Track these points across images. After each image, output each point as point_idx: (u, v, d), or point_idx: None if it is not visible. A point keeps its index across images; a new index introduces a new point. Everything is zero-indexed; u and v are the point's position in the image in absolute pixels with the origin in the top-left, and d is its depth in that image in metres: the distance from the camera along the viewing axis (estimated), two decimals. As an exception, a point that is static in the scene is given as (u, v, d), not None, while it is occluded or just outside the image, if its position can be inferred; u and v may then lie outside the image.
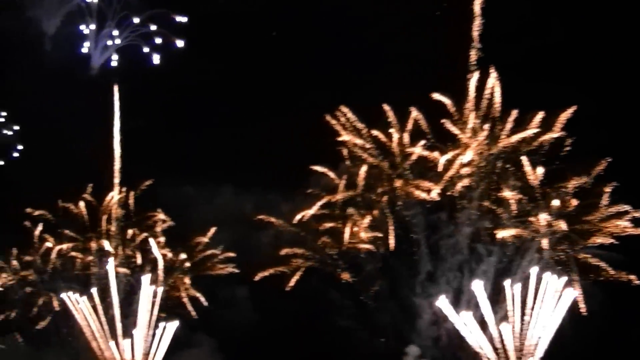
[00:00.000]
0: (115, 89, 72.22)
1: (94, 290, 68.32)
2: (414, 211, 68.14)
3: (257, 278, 69.33)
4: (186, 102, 76.32)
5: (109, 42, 79.51)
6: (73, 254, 70.60)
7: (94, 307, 67.97)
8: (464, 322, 63.88)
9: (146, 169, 71.91)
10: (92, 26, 79.09)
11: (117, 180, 71.60)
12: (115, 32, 79.43)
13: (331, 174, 69.44)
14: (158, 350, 67.96)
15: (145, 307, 68.04)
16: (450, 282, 66.55)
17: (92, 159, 72.06)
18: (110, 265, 68.59)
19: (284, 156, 72.27)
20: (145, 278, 68.50)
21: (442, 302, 64.17)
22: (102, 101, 72.55)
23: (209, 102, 76.07)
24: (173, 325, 68.00)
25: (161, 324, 67.94)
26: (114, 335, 67.74)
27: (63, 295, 68.46)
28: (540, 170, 65.10)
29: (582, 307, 63.73)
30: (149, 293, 68.34)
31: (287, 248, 69.45)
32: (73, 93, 75.80)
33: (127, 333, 67.77)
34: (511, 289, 63.18)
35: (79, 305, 67.79)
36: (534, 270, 63.28)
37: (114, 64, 79.81)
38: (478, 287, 63.67)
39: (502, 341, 63.12)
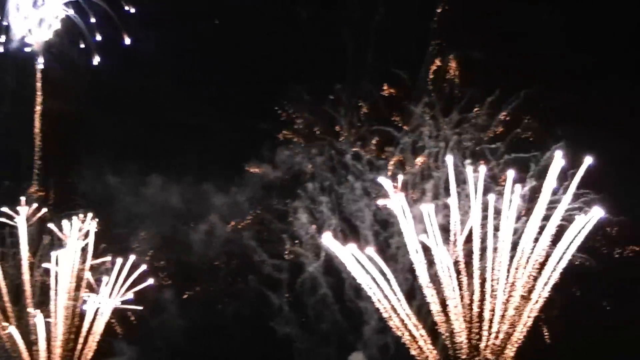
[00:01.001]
0: (38, 69, 65.56)
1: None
2: (360, 206, 64.49)
3: (186, 296, 65.94)
4: (112, 85, 68.29)
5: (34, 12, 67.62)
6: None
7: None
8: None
9: (67, 157, 66.36)
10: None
11: (36, 173, 65.32)
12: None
13: (269, 172, 66.20)
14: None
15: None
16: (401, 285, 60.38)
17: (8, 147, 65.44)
18: (25, 272, 61.95)
19: (218, 144, 67.61)
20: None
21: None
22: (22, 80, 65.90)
23: (136, 86, 68.12)
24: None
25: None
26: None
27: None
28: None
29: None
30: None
31: (220, 253, 66.49)
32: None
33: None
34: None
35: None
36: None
37: (38, 38, 67.11)
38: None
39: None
